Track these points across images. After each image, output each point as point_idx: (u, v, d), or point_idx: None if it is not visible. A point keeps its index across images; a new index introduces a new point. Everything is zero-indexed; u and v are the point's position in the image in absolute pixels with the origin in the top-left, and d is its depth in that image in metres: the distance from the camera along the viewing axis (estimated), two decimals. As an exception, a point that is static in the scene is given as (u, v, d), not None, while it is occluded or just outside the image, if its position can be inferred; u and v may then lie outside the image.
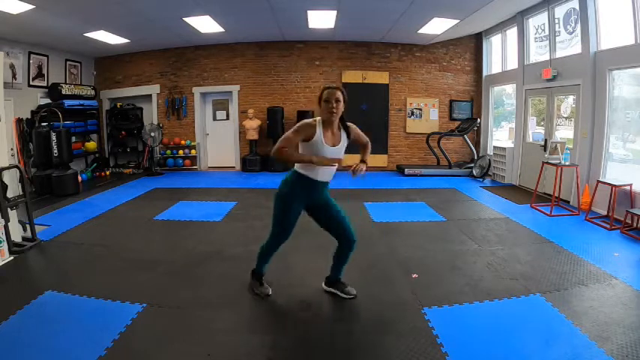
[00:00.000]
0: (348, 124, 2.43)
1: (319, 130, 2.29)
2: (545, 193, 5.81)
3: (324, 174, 2.39)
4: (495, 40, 7.96)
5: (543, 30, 6.16)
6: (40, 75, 7.23)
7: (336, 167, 2.41)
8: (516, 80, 6.96)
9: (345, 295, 2.65)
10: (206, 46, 8.24)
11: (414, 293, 2.78)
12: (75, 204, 5.57)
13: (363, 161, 2.48)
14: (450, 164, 7.88)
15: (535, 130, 6.68)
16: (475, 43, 8.37)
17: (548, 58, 6.03)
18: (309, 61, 8.31)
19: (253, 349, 2.14)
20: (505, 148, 7.14)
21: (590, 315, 2.45)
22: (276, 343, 2.19)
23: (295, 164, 2.42)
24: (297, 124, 2.31)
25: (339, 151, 2.36)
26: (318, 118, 2.33)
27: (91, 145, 8.22)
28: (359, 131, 2.55)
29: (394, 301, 2.67)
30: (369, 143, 2.65)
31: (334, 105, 2.25)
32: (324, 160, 2.27)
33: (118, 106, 8.65)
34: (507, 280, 2.98)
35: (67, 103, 7.32)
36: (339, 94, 2.27)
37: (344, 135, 2.39)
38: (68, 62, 7.95)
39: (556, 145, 5.10)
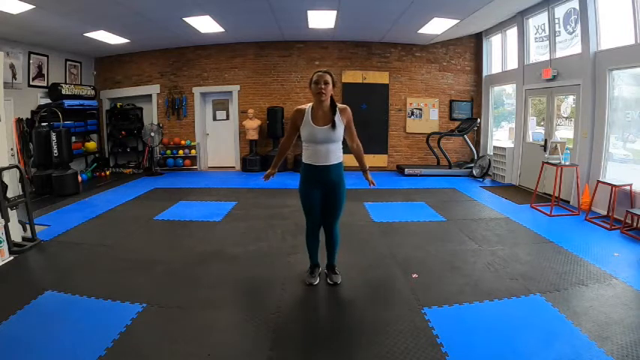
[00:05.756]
0: (339, 105, 2.53)
1: (308, 113, 2.51)
2: (545, 193, 5.81)
3: (316, 157, 2.55)
4: (495, 40, 7.96)
5: (543, 30, 6.16)
6: (40, 75, 7.24)
7: (329, 148, 2.54)
8: (516, 80, 6.96)
9: (329, 281, 2.88)
10: (206, 46, 8.24)
11: (414, 293, 2.78)
12: (75, 204, 5.57)
13: (365, 171, 2.80)
14: (450, 164, 7.88)
15: (535, 130, 6.68)
16: (475, 43, 8.37)
17: (548, 58, 6.03)
18: (309, 61, 8.31)
19: (253, 349, 2.14)
20: (505, 148, 7.14)
21: (590, 315, 2.45)
22: (276, 343, 2.19)
23: (302, 157, 2.68)
24: (292, 114, 2.58)
25: (328, 130, 2.49)
26: (309, 104, 2.54)
27: (91, 145, 8.23)
28: (351, 117, 2.61)
29: (394, 301, 2.67)
30: (361, 149, 2.76)
31: (323, 87, 2.41)
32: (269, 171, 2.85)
33: (118, 106, 8.66)
34: (507, 280, 2.98)
35: (67, 103, 7.33)
36: (327, 77, 2.44)
37: (337, 117, 2.50)
38: (68, 62, 7.95)
39: (556, 145, 5.09)
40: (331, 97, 2.50)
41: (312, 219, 2.76)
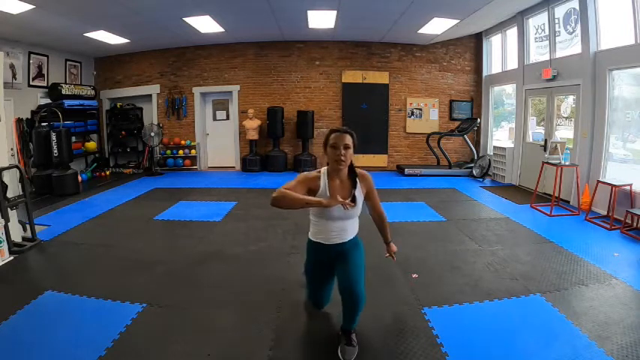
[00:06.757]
0: (359, 172, 2.10)
1: (324, 182, 2.02)
2: (545, 193, 5.81)
3: (328, 235, 2.10)
4: (495, 40, 7.96)
5: (543, 30, 6.16)
6: (40, 75, 7.23)
7: (346, 226, 2.12)
8: (516, 80, 6.96)
9: (340, 354, 2.06)
10: (206, 46, 8.24)
11: (414, 293, 2.78)
12: (75, 204, 5.57)
13: (388, 243, 2.38)
14: (450, 164, 7.88)
15: (535, 130, 6.68)
16: (475, 43, 8.37)
17: (548, 58, 6.03)
18: (309, 61, 8.31)
19: (253, 349, 2.14)
20: (505, 148, 7.14)
21: (590, 315, 2.45)
22: (276, 343, 2.19)
23: (309, 232, 2.22)
24: (298, 176, 2.03)
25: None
26: (323, 169, 2.07)
27: (91, 145, 8.23)
28: (372, 185, 2.16)
29: (394, 301, 2.68)
30: (385, 218, 2.33)
31: (342, 152, 1.93)
32: (333, 202, 1.86)
33: (118, 106, 8.66)
34: (507, 280, 2.98)
35: (67, 103, 7.33)
36: (348, 139, 1.96)
37: (357, 190, 2.07)
38: (68, 62, 7.95)
39: (556, 145, 5.10)
40: (351, 163, 2.04)
41: (313, 294, 2.41)
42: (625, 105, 4.80)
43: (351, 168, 2.09)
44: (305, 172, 2.07)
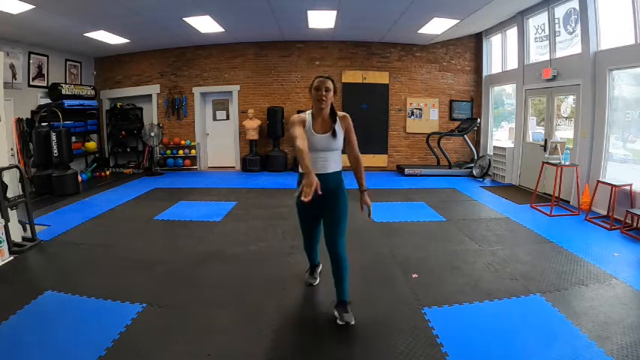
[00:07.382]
0: (340, 113, 2.43)
1: (309, 120, 2.37)
2: (545, 193, 5.81)
3: (318, 162, 2.34)
4: (495, 40, 7.96)
5: (543, 30, 6.16)
6: (40, 75, 7.24)
7: (328, 157, 2.37)
8: (516, 80, 6.96)
9: (339, 322, 2.34)
10: (206, 46, 8.24)
11: (414, 293, 2.78)
12: (75, 204, 5.57)
13: (363, 191, 2.46)
14: (450, 164, 7.88)
15: (535, 130, 6.68)
16: (475, 43, 8.37)
17: (548, 58, 6.03)
18: (309, 61, 8.31)
19: (253, 349, 2.14)
20: (505, 148, 7.14)
21: (590, 315, 2.45)
22: (276, 343, 2.19)
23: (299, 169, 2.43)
24: (294, 120, 2.32)
25: (329, 139, 2.34)
26: (308, 111, 2.42)
27: (91, 145, 8.23)
28: (351, 125, 2.45)
29: (394, 301, 2.67)
30: (361, 162, 2.51)
31: (324, 93, 2.30)
32: (313, 183, 1.93)
33: (118, 106, 8.66)
34: (507, 280, 2.98)
35: (67, 103, 7.33)
36: (329, 84, 2.32)
37: (337, 125, 2.38)
38: (68, 62, 7.95)
39: (556, 145, 5.10)
40: (332, 105, 2.38)
41: (308, 234, 2.64)
42: (625, 105, 4.80)
43: (332, 110, 2.41)
44: (295, 115, 2.39)
